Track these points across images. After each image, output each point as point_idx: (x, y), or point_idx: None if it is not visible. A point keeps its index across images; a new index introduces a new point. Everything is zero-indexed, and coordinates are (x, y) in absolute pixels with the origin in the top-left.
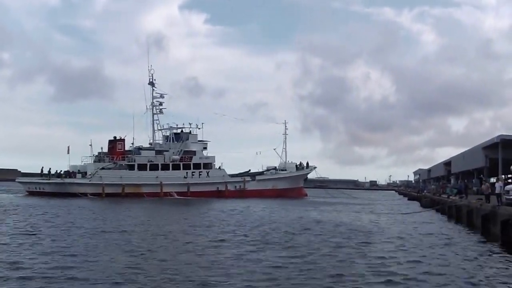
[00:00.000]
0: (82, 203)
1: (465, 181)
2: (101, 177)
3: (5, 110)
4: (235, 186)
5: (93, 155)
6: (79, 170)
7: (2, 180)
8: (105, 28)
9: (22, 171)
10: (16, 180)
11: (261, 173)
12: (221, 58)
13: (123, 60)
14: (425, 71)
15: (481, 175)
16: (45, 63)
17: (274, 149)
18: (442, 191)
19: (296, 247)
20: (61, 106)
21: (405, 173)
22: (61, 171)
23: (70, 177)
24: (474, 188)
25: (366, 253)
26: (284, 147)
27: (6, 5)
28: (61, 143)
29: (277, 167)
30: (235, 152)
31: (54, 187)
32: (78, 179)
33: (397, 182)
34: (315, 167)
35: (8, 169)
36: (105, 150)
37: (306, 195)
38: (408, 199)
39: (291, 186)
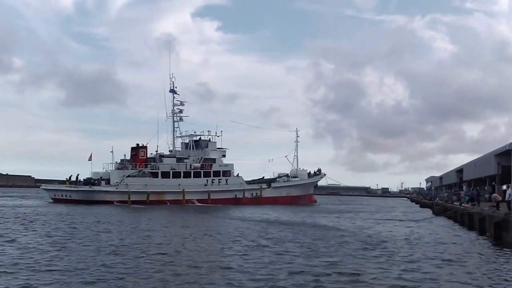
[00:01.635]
0: (140, 213)
1: (477, 188)
2: (127, 184)
3: (18, 116)
4: (252, 194)
5: (116, 162)
6: (101, 177)
7: (17, 186)
8: (118, 35)
9: (36, 177)
10: (41, 187)
11: (274, 180)
12: (232, 65)
13: (136, 67)
14: (439, 76)
15: (493, 183)
16: (58, 69)
17: (286, 156)
18: (458, 198)
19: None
20: (74, 112)
21: (417, 180)
22: (70, 176)
23: (93, 184)
24: (487, 196)
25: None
26: (296, 154)
27: (22, 13)
28: (73, 149)
29: (289, 174)
30: (247, 159)
31: (81, 195)
32: (105, 187)
33: (409, 189)
34: (324, 174)
35: (22, 176)
36: (126, 157)
37: (315, 201)
38: (420, 207)
39: (303, 193)
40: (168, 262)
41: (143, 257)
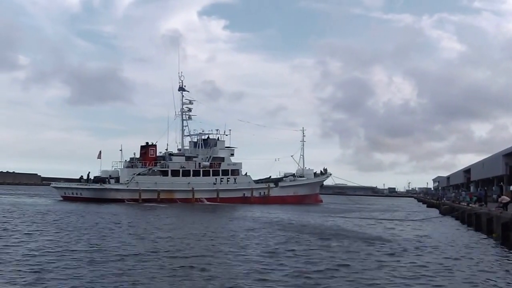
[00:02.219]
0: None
1: (485, 188)
2: (137, 182)
3: (24, 114)
4: (260, 193)
5: (125, 160)
6: (110, 176)
7: (23, 184)
8: (125, 34)
9: (42, 176)
10: (51, 185)
11: (280, 179)
12: (239, 64)
13: (143, 65)
14: (447, 75)
15: (501, 183)
16: (64, 67)
17: (292, 156)
18: (470, 197)
19: None
20: (80, 110)
21: (424, 180)
22: (81, 176)
23: (103, 182)
24: (494, 196)
25: None
26: (302, 153)
27: (28, 11)
28: (79, 148)
29: (295, 174)
30: (253, 158)
31: (92, 193)
32: (117, 185)
33: (416, 189)
34: (330, 174)
35: (28, 174)
36: (136, 155)
37: (321, 201)
38: (427, 206)
39: (310, 192)
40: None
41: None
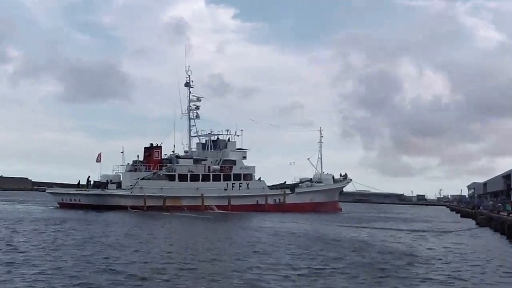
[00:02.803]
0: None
1: None
2: (141, 188)
3: (19, 113)
4: (275, 200)
5: (127, 163)
6: (111, 180)
7: (11, 189)
8: (126, 24)
9: (33, 180)
10: (46, 191)
11: (296, 185)
12: (250, 56)
13: (144, 58)
14: (485, 68)
15: None
16: (59, 61)
17: (308, 159)
18: None
19: None
20: (75, 108)
21: (458, 187)
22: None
23: (105, 187)
24: None
25: None
26: (320, 156)
27: (24, 4)
28: (74, 150)
29: (312, 179)
30: (265, 162)
31: (92, 199)
32: (119, 191)
33: (449, 196)
34: (351, 179)
35: (18, 178)
36: (139, 158)
37: (341, 209)
38: (461, 216)
39: (328, 199)
40: None
41: None
